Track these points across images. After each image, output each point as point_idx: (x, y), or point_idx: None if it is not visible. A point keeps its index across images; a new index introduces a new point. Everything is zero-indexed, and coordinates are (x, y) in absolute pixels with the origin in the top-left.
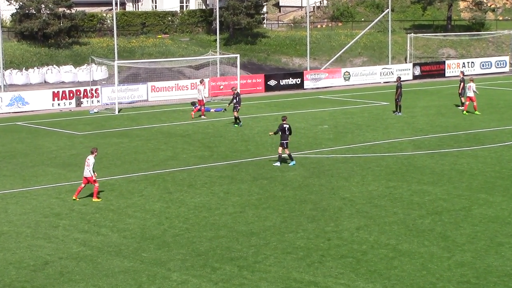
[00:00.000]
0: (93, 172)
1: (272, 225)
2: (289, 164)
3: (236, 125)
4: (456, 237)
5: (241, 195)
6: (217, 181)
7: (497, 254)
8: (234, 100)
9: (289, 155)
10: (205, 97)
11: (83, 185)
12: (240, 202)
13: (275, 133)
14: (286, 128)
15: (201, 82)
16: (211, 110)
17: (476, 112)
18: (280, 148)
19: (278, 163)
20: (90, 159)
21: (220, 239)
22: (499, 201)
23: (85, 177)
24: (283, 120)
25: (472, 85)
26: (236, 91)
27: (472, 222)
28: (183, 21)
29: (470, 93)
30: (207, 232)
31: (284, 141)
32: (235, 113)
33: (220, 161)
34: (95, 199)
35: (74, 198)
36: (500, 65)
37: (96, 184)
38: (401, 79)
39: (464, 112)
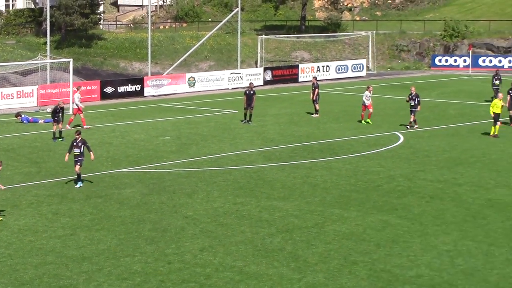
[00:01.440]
0: None
1: (106, 248)
2: (76, 186)
3: (60, 139)
4: (307, 257)
5: (72, 216)
6: (45, 200)
7: (350, 274)
8: (60, 114)
9: (79, 175)
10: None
11: None
12: (71, 223)
13: (70, 151)
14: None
15: (77, 89)
16: (40, 122)
17: (366, 121)
18: (78, 167)
19: (81, 183)
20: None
21: (47, 266)
22: (354, 216)
23: None
24: (79, 135)
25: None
26: (60, 103)
27: (325, 240)
28: (8, 22)
29: (367, 101)
30: (32, 258)
31: (81, 158)
32: (59, 126)
33: (49, 178)
34: None
35: None
36: (357, 69)
37: None
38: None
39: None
